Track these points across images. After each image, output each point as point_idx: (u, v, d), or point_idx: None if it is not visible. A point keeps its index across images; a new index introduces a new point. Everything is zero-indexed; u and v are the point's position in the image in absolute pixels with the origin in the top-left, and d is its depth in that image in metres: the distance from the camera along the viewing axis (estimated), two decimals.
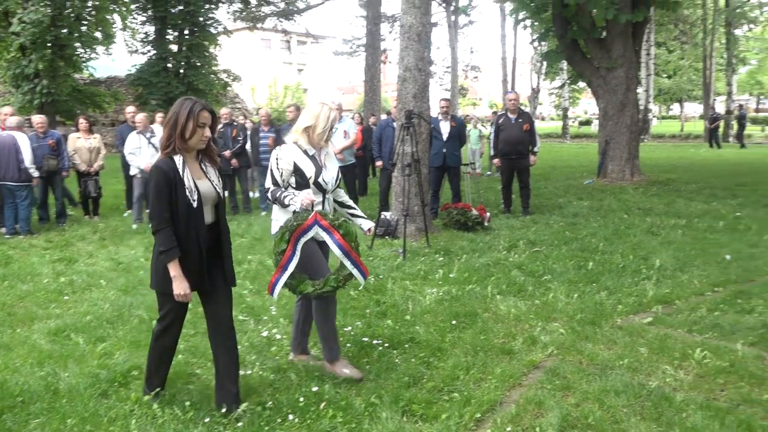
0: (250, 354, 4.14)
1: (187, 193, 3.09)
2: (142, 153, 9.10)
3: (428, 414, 3.25)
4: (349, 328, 4.57)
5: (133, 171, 9.30)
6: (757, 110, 57.41)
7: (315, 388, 3.51)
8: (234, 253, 3.50)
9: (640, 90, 25.26)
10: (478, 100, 69.66)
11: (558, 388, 3.54)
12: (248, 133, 10.60)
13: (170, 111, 3.14)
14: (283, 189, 3.67)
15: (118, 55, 28.68)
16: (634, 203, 10.49)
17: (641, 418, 3.18)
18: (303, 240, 3.55)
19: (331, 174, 3.78)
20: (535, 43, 18.58)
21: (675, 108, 58.46)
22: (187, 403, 3.34)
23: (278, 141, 9.52)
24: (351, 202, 4.05)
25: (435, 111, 9.43)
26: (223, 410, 3.22)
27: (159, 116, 10.90)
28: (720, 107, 33.34)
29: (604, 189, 12.53)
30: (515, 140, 9.30)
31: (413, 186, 7.76)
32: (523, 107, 10.03)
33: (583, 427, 3.11)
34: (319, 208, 3.67)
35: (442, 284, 5.72)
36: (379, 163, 9.82)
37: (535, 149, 9.46)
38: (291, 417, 3.22)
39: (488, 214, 8.61)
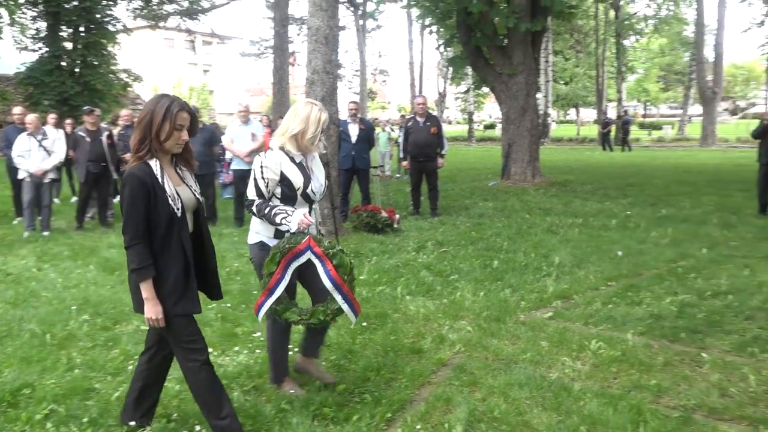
0: None
1: (170, 202, 2.74)
2: (31, 156, 8.53)
3: (339, 417, 3.25)
4: (259, 333, 4.49)
5: (21, 175, 8.69)
6: (644, 116, 61.56)
7: None
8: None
9: (539, 95, 26.45)
10: (387, 104, 70.50)
11: (465, 384, 3.65)
12: None
13: (144, 109, 2.77)
14: (270, 203, 3.31)
15: (6, 52, 26.75)
16: (536, 204, 10.97)
17: (543, 409, 3.32)
18: (294, 265, 3.25)
19: (319, 182, 3.46)
20: (441, 49, 19.03)
21: (572, 113, 61.70)
22: (85, 420, 3.17)
23: None
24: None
25: (344, 114, 9.46)
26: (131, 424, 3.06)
27: (51, 117, 10.27)
28: (612, 112, 35.45)
29: (507, 190, 13.03)
30: (423, 143, 9.49)
31: None
32: (431, 111, 10.25)
33: (489, 421, 3.21)
34: (314, 231, 3.37)
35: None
36: None
37: (443, 152, 9.69)
38: (198, 428, 3.12)
39: (397, 216, 8.73)
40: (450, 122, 64.62)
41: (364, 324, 4.67)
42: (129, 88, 27.14)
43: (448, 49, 19.20)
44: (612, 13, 35.82)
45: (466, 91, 38.35)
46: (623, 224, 8.79)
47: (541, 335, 4.43)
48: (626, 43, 38.62)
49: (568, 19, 16.77)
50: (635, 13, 38.35)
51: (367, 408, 3.33)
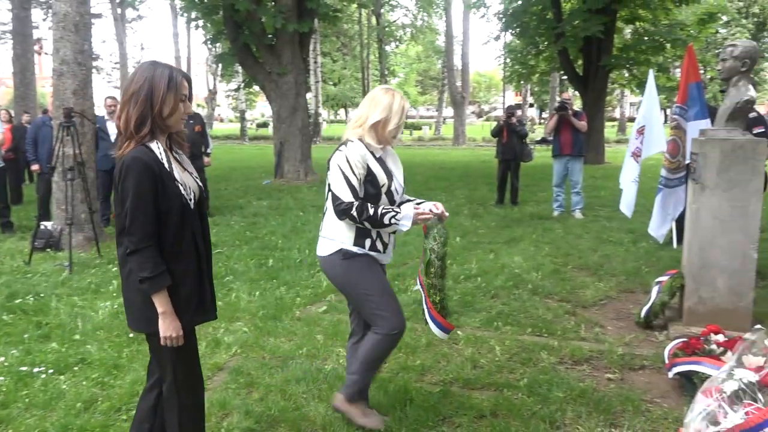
0: None
1: (182, 191, 2.28)
2: None
3: None
4: (2, 358, 3.94)
5: None
6: (406, 117, 66.35)
7: None
8: None
9: (310, 95, 27.05)
10: None
11: (242, 386, 3.60)
12: None
13: (135, 81, 2.25)
14: (367, 203, 2.83)
15: None
16: (309, 201, 11.21)
17: (319, 400, 3.42)
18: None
19: (400, 180, 3.04)
20: (209, 45, 18.40)
21: (342, 113, 64.14)
22: None
23: None
24: (406, 197, 3.16)
25: (101, 110, 8.72)
26: None
27: None
28: None
29: (281, 188, 13.12)
30: (188, 142, 9.14)
31: (78, 191, 7.05)
32: (199, 108, 9.92)
33: (267, 420, 3.22)
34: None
35: (117, 296, 5.31)
36: (35, 167, 8.81)
37: (208, 150, 9.47)
38: None
39: None
40: (222, 120, 63.01)
41: (131, 335, 4.36)
42: None
43: (217, 45, 18.63)
44: (374, 20, 38.01)
45: (237, 89, 37.72)
46: None
47: (317, 329, 4.55)
48: (388, 48, 41.33)
49: (333, 22, 17.39)
50: (395, 21, 41.20)
51: None
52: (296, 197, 11.71)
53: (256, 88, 30.41)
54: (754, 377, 2.59)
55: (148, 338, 2.41)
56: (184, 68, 36.24)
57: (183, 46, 37.52)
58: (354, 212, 2.77)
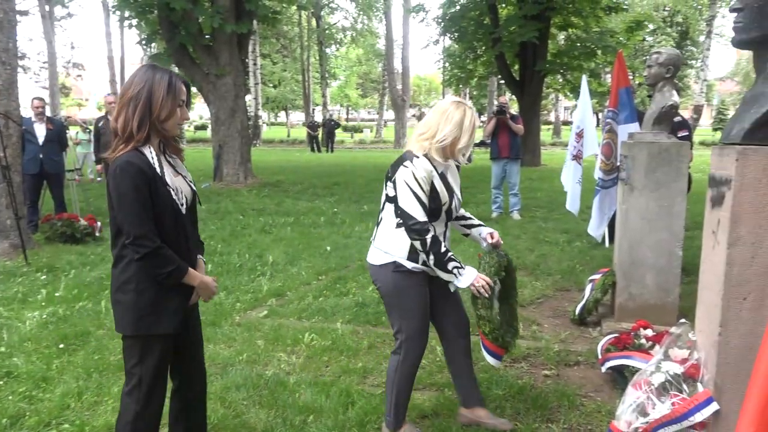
0: None
1: (174, 196, 2.30)
2: None
3: None
4: None
5: None
6: (347, 119, 66.45)
7: None
8: None
9: (249, 97, 26.66)
10: (84, 101, 63.94)
11: None
12: None
13: (134, 84, 2.26)
14: (440, 239, 2.79)
15: None
16: (249, 204, 11.06)
17: (260, 407, 3.38)
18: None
19: (459, 195, 2.99)
20: (144, 45, 17.87)
21: (282, 115, 63.55)
22: None
23: None
24: (465, 212, 3.19)
25: (28, 111, 8.35)
26: None
27: None
28: (319, 116, 37.51)
29: (220, 192, 12.88)
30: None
31: (3, 196, 6.73)
32: None
33: (209, 427, 3.15)
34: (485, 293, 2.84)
35: (46, 305, 5.11)
36: None
37: None
38: None
39: (99, 223, 8.02)
40: None
41: (61, 346, 4.19)
42: None
43: (152, 45, 18.11)
44: (314, 22, 37.86)
45: None
46: (331, 221, 9.37)
47: (257, 334, 4.49)
48: (328, 51, 41.23)
49: (273, 23, 17.21)
50: (335, 24, 41.15)
51: None
52: (236, 201, 11.52)
53: (194, 89, 29.77)
54: (679, 369, 2.71)
55: (123, 339, 2.38)
56: (117, 69, 35.10)
57: (116, 46, 36.18)
58: (429, 238, 2.73)
